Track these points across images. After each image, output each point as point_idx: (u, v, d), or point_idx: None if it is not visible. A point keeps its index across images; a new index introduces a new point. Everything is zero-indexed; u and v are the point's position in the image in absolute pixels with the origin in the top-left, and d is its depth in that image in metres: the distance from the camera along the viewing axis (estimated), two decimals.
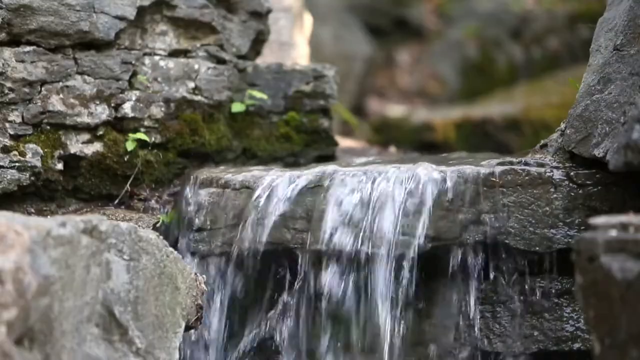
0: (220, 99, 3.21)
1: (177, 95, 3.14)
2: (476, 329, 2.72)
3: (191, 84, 3.16)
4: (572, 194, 2.71)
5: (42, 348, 2.04)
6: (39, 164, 2.91)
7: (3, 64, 2.87)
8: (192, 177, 2.98)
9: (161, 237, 2.40)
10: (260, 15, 3.33)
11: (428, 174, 2.73)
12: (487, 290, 2.74)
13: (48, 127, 2.95)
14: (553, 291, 2.72)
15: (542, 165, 2.77)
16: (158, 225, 2.93)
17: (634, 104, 2.57)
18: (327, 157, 3.32)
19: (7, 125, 2.90)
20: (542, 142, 2.95)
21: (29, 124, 2.92)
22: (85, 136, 3.02)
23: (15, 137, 2.90)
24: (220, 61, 3.23)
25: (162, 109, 3.11)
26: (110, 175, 3.05)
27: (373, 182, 2.74)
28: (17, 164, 2.88)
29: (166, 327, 2.35)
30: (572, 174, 2.73)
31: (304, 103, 3.31)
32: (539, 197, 2.71)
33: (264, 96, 3.26)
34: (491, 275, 2.73)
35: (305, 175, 2.80)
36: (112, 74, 3.03)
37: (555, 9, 7.01)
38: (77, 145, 3.00)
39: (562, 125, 2.86)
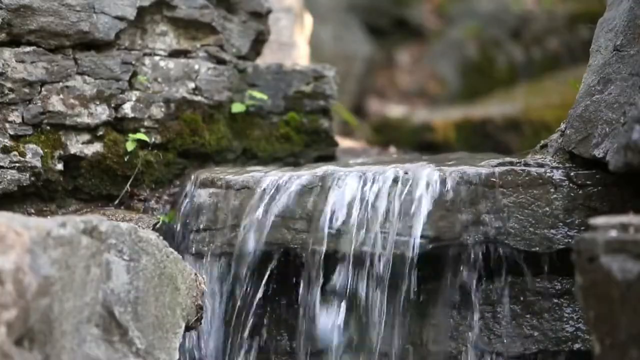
0: (220, 100, 3.21)
1: (177, 96, 3.14)
2: (476, 329, 2.72)
3: (191, 85, 3.16)
4: (572, 194, 2.71)
5: (42, 348, 2.05)
6: (39, 164, 2.90)
7: (3, 64, 2.88)
8: (192, 177, 2.98)
9: (161, 237, 2.40)
10: (260, 15, 3.33)
11: (428, 175, 2.73)
12: (487, 290, 2.74)
13: (48, 128, 2.95)
14: (553, 291, 2.72)
15: (542, 165, 2.77)
16: (158, 225, 2.93)
17: (634, 104, 2.57)
18: (327, 158, 3.32)
19: (7, 125, 2.90)
20: (542, 142, 2.95)
21: (29, 124, 2.92)
22: (85, 136, 3.02)
23: (15, 138, 2.90)
24: (221, 61, 3.23)
25: (162, 109, 3.11)
26: (110, 176, 3.05)
27: (373, 183, 2.74)
28: (17, 164, 2.87)
29: (166, 328, 2.35)
30: (572, 174, 2.73)
31: (304, 103, 3.31)
32: (539, 198, 2.71)
33: (264, 96, 3.26)
34: (491, 276, 2.73)
35: (305, 176, 2.80)
36: (112, 74, 3.03)
37: (555, 9, 7.01)
38: (77, 145, 3.00)
39: (562, 126, 2.86)
